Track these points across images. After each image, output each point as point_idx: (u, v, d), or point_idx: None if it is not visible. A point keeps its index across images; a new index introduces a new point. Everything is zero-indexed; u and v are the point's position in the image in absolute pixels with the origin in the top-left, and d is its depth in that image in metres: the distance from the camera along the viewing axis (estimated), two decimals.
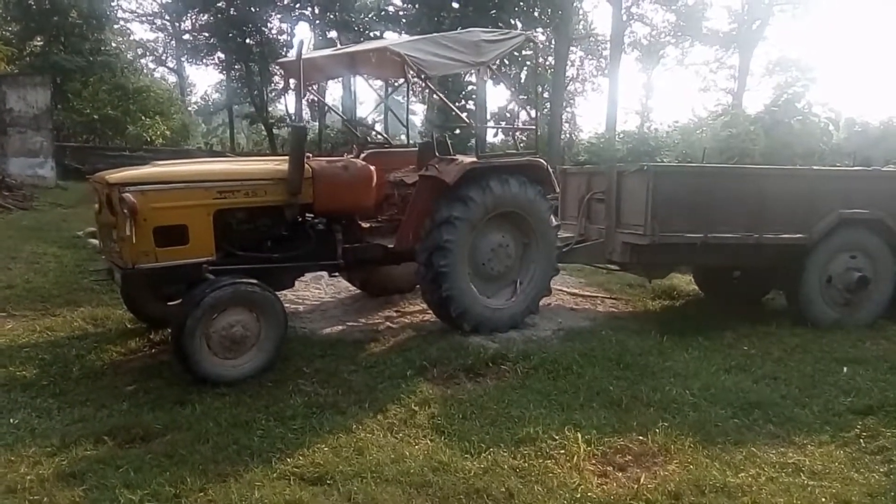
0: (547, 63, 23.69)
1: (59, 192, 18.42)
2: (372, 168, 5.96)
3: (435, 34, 5.97)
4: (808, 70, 23.77)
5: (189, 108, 44.37)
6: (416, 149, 6.95)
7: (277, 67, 31.66)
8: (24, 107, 18.12)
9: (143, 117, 30.24)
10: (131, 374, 5.03)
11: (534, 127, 6.63)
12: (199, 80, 58.61)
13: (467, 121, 7.86)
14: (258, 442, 3.96)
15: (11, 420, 4.17)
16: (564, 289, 8.18)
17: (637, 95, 59.98)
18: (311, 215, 5.76)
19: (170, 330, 4.92)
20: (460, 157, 5.97)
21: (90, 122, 27.85)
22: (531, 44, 6.58)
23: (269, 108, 33.97)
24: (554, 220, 6.51)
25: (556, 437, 4.08)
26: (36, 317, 6.21)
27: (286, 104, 30.80)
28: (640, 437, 4.14)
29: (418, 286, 7.70)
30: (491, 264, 6.19)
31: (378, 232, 6.36)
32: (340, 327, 6.47)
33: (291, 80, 6.72)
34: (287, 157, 5.59)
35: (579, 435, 4.08)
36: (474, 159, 5.95)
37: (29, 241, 9.51)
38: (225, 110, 51.66)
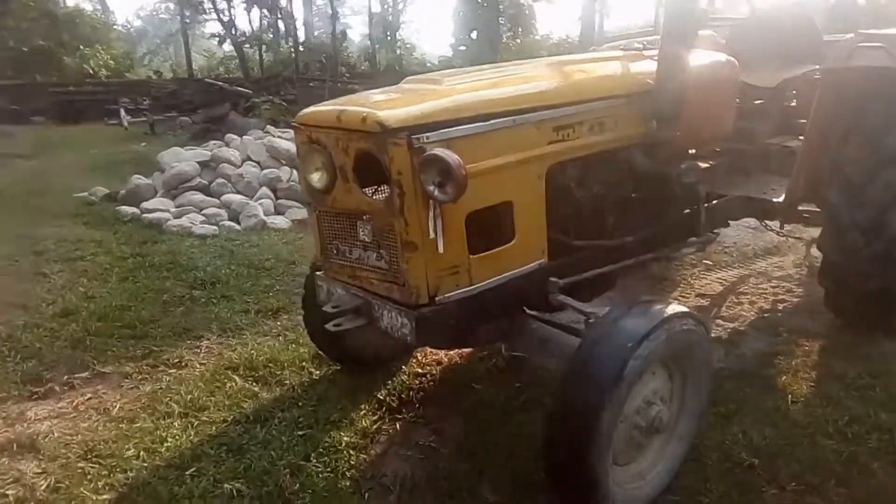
0: None
1: (6, 140, 14.94)
2: (737, 64, 3.38)
3: None
4: None
5: None
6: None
7: None
8: None
9: (79, 47, 26.13)
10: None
11: None
12: (115, 6, 51.85)
13: None
14: None
15: None
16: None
17: None
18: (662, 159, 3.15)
19: (546, 431, 2.27)
20: None
21: (18, 57, 23.72)
22: None
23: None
24: None
25: None
26: (144, 373, 3.43)
27: (250, 21, 26.70)
28: None
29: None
30: None
31: (717, 175, 3.79)
32: None
33: None
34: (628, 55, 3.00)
35: None
36: None
37: (33, 216, 6.53)
38: (154, 38, 46.47)
